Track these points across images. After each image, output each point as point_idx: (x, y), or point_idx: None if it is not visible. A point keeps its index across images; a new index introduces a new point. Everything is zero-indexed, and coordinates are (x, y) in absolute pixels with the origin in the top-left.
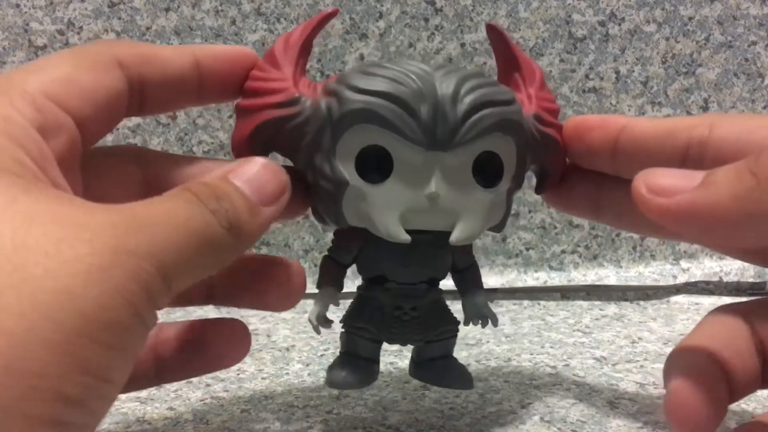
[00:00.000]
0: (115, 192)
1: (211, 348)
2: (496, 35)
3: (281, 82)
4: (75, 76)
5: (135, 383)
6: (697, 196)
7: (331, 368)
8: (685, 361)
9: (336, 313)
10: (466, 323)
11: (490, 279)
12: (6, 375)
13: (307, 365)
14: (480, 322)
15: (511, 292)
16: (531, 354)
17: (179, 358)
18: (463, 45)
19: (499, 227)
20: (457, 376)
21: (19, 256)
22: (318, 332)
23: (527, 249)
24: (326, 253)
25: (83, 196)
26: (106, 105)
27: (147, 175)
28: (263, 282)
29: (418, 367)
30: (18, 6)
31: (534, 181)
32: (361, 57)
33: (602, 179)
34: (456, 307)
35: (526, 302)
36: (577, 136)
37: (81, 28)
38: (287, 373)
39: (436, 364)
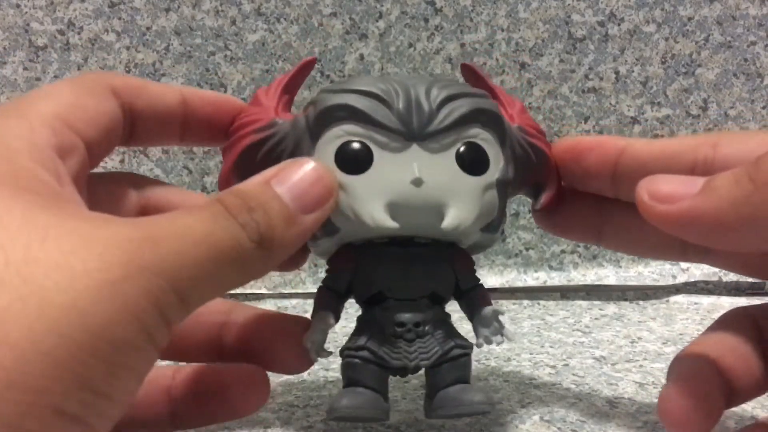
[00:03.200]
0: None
1: (228, 394)
2: (471, 73)
3: (260, 113)
4: (81, 102)
5: (148, 427)
6: (697, 202)
7: (332, 400)
8: (681, 367)
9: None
10: (479, 345)
11: (490, 279)
12: (9, 390)
13: None
14: (493, 338)
15: (510, 292)
16: (531, 354)
17: (195, 403)
18: (463, 45)
19: (493, 227)
20: (473, 397)
21: (29, 268)
22: (314, 359)
23: (527, 249)
24: (321, 283)
25: None
26: (108, 130)
27: (143, 199)
28: (281, 342)
29: (432, 401)
30: (18, 6)
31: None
32: (361, 57)
33: (602, 203)
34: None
35: (525, 302)
36: (573, 158)
37: (81, 28)
38: None
39: (450, 392)
